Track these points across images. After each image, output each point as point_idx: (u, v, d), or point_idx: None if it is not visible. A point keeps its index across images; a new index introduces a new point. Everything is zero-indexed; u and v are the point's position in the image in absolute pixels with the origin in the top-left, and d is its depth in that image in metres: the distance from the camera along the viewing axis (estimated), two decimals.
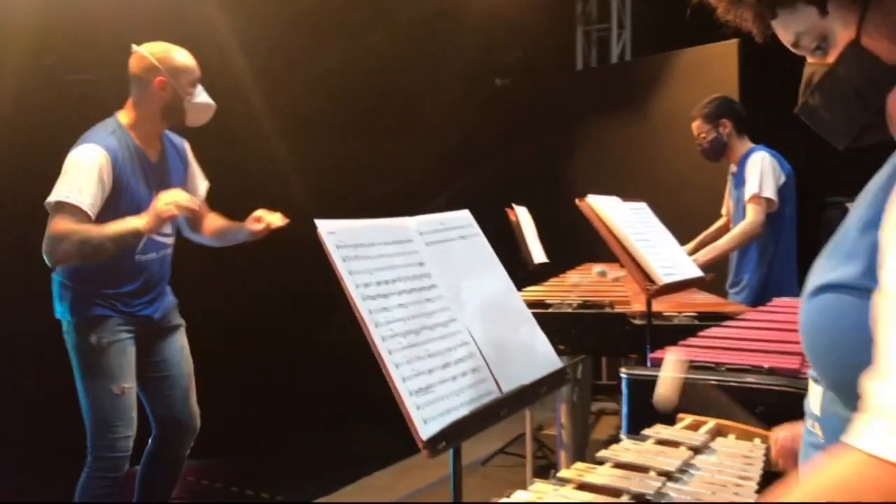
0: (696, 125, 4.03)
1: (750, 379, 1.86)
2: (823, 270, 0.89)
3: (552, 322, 3.06)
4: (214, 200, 3.29)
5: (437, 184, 5.82)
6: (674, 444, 1.50)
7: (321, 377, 5.37)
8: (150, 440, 3.13)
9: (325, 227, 1.18)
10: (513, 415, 1.20)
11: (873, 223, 0.82)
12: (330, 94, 5.25)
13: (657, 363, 2.03)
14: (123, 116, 2.92)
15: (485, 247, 1.52)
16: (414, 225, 1.39)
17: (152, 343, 3.04)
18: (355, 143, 5.55)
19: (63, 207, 2.68)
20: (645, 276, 2.54)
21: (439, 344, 1.24)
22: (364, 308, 1.15)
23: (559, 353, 1.61)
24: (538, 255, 4.37)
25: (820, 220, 4.78)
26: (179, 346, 3.14)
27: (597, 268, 4.26)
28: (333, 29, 5.19)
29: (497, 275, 1.51)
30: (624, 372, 1.89)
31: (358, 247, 1.21)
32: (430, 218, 1.43)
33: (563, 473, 1.33)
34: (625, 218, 2.67)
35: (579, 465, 1.38)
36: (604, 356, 5.16)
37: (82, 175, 2.71)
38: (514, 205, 4.47)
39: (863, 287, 0.81)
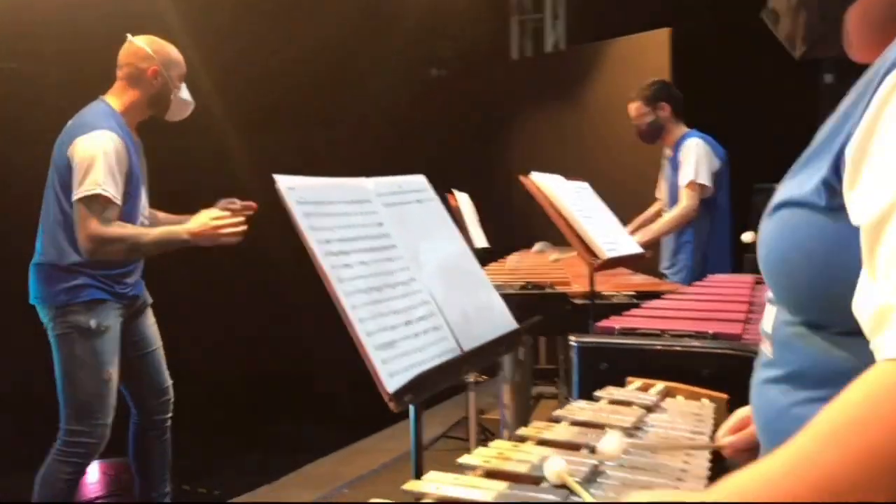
0: (635, 106, 4.08)
1: (695, 344, 1.91)
2: (780, 192, 0.92)
3: None
4: (163, 193, 3.24)
5: (377, 173, 5.79)
6: (626, 403, 1.53)
7: (259, 367, 5.29)
8: (131, 425, 3.12)
9: (284, 182, 1.17)
10: (474, 371, 1.21)
11: (831, 141, 0.84)
12: (265, 85, 5.19)
13: (604, 331, 2.08)
14: (114, 102, 2.89)
15: (441, 211, 1.53)
16: (372, 186, 1.38)
17: (130, 323, 3.01)
18: (291, 134, 5.49)
19: (97, 201, 2.66)
20: (589, 250, 2.58)
21: (401, 302, 1.24)
22: (327, 264, 1.14)
23: None
24: (479, 240, 4.40)
25: (749, 205, 4.91)
26: (152, 322, 3.14)
27: (552, 255, 4.29)
28: (271, 20, 5.13)
29: (453, 239, 1.51)
30: (574, 340, 1.92)
31: (318, 203, 1.20)
32: (388, 180, 1.42)
33: (521, 431, 1.35)
34: (568, 195, 2.70)
35: (537, 423, 1.40)
36: (546, 336, 5.20)
37: (108, 164, 2.68)
38: (454, 190, 4.48)
39: (812, 203, 0.85)
